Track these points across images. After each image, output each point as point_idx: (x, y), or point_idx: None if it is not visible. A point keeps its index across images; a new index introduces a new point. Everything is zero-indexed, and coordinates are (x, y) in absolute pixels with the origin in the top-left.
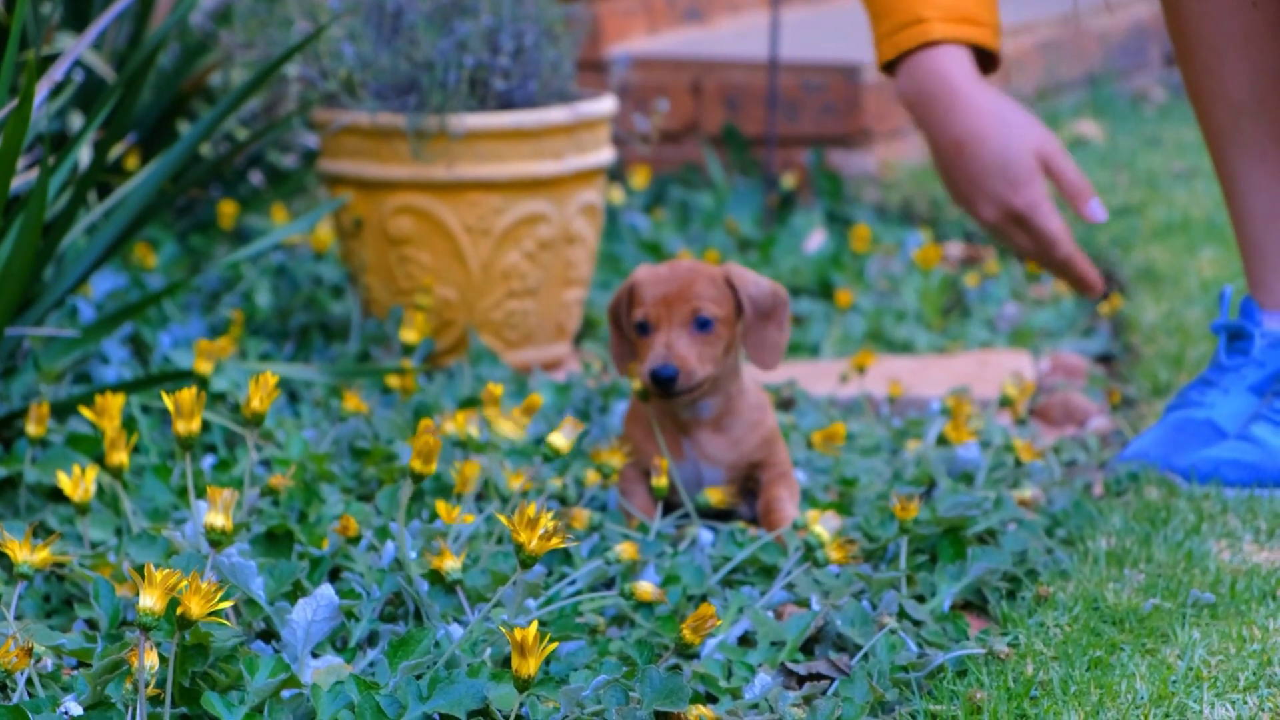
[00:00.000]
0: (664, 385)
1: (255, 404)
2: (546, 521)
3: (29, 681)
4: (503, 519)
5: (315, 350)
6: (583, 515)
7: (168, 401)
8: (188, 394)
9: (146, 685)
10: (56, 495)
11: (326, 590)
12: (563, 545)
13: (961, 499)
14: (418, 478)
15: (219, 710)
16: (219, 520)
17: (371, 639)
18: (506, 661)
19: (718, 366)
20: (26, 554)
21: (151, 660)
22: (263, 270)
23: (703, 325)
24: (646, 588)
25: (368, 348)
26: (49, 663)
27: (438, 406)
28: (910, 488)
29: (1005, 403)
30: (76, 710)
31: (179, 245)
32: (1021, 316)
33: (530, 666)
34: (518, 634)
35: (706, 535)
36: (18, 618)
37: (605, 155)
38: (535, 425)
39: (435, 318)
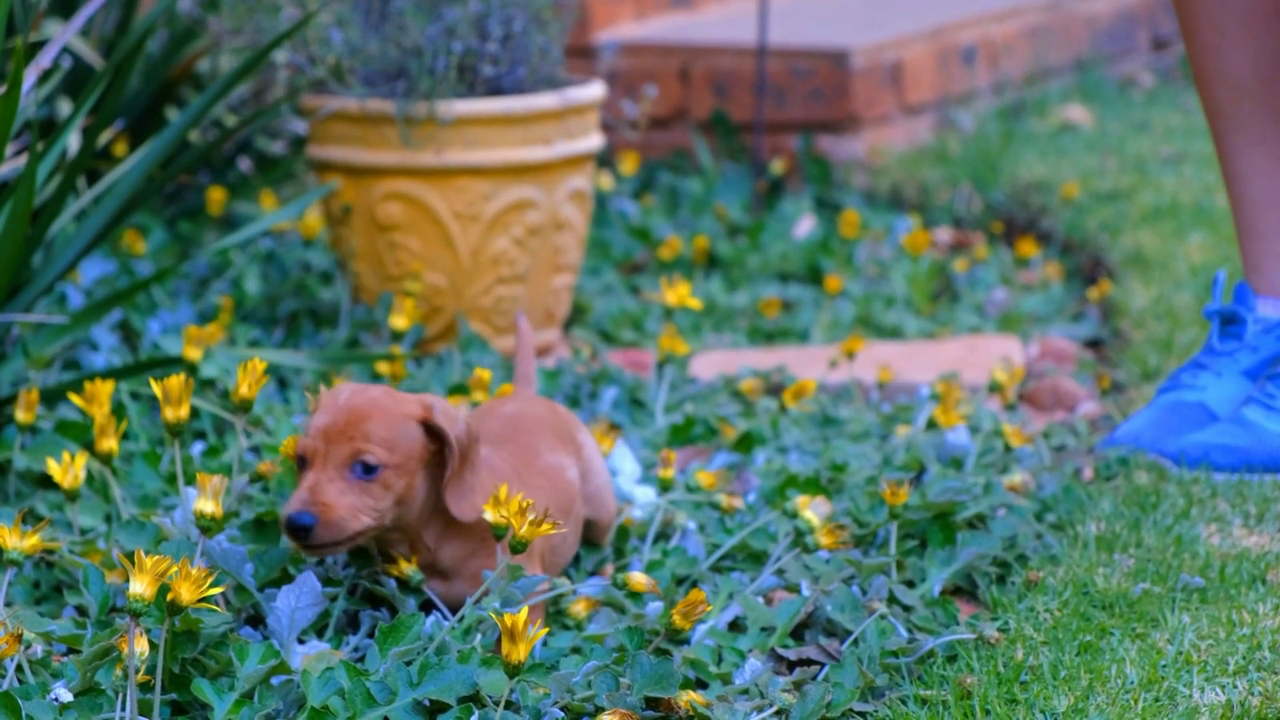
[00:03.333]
0: (298, 535)
1: (244, 390)
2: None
3: (19, 668)
4: (489, 508)
5: (304, 336)
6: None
7: (156, 388)
8: (176, 380)
9: (137, 671)
10: (46, 482)
11: (309, 577)
12: (553, 530)
13: (951, 484)
14: None
15: (209, 696)
16: (208, 507)
17: (353, 622)
18: (497, 648)
19: (385, 519)
20: (16, 540)
21: (141, 646)
22: (252, 257)
23: (365, 470)
24: (639, 578)
25: (357, 334)
26: (39, 649)
27: (427, 392)
28: (900, 473)
29: (994, 388)
30: (66, 697)
31: (168, 232)
32: (1010, 302)
33: (521, 652)
34: (508, 619)
35: (694, 522)
36: (7, 604)
37: (594, 141)
38: None
39: (424, 304)
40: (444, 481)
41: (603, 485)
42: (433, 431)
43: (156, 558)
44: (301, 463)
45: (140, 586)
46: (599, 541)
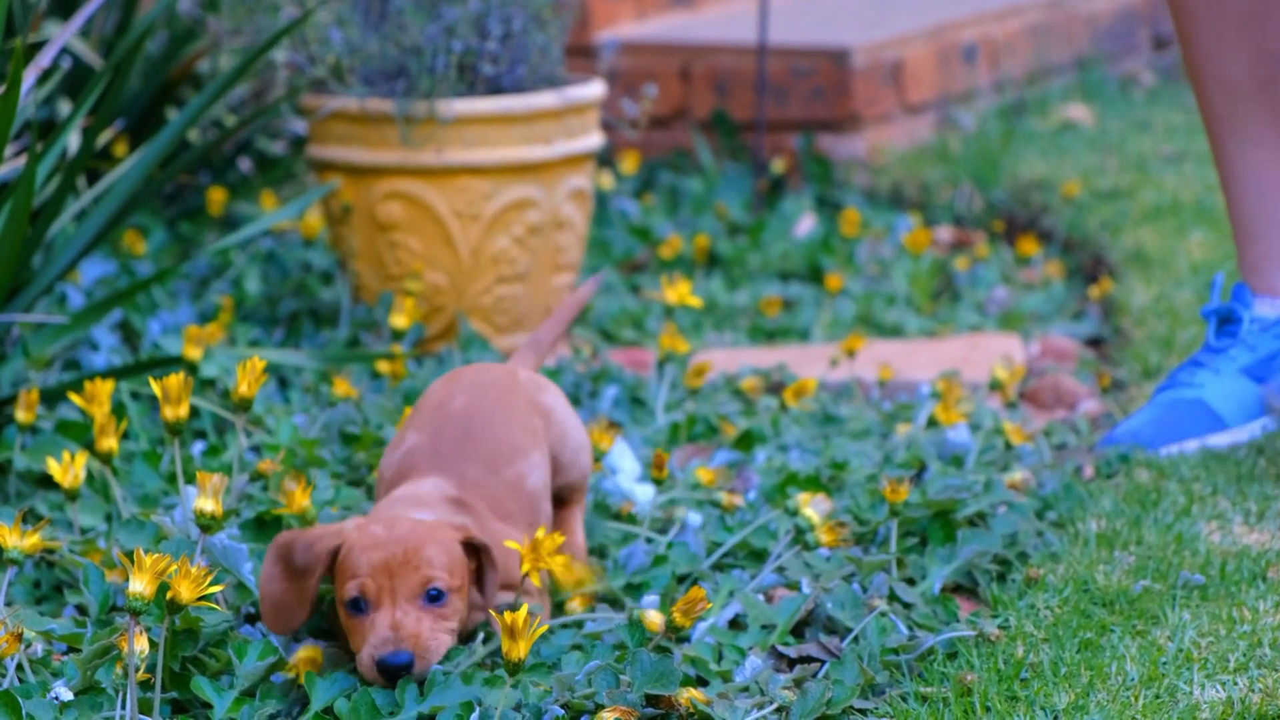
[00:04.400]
0: (396, 674)
1: (243, 389)
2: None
3: (19, 667)
4: (512, 544)
5: (305, 336)
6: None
7: (156, 387)
8: (176, 380)
9: (137, 670)
10: (46, 482)
11: None
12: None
13: (951, 482)
14: None
15: (209, 695)
16: (209, 505)
17: None
18: (497, 651)
19: (455, 639)
20: (16, 540)
21: (141, 645)
22: (252, 257)
23: (434, 599)
24: (654, 618)
25: (357, 333)
26: (39, 648)
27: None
28: (900, 471)
29: (995, 386)
30: (67, 695)
31: (168, 232)
32: (1011, 300)
33: (521, 649)
34: (508, 617)
35: (695, 518)
36: (8, 603)
37: (594, 140)
38: None
39: (425, 303)
40: (485, 584)
41: (578, 447)
42: (471, 547)
43: (156, 556)
44: (360, 605)
45: (140, 585)
46: (574, 501)
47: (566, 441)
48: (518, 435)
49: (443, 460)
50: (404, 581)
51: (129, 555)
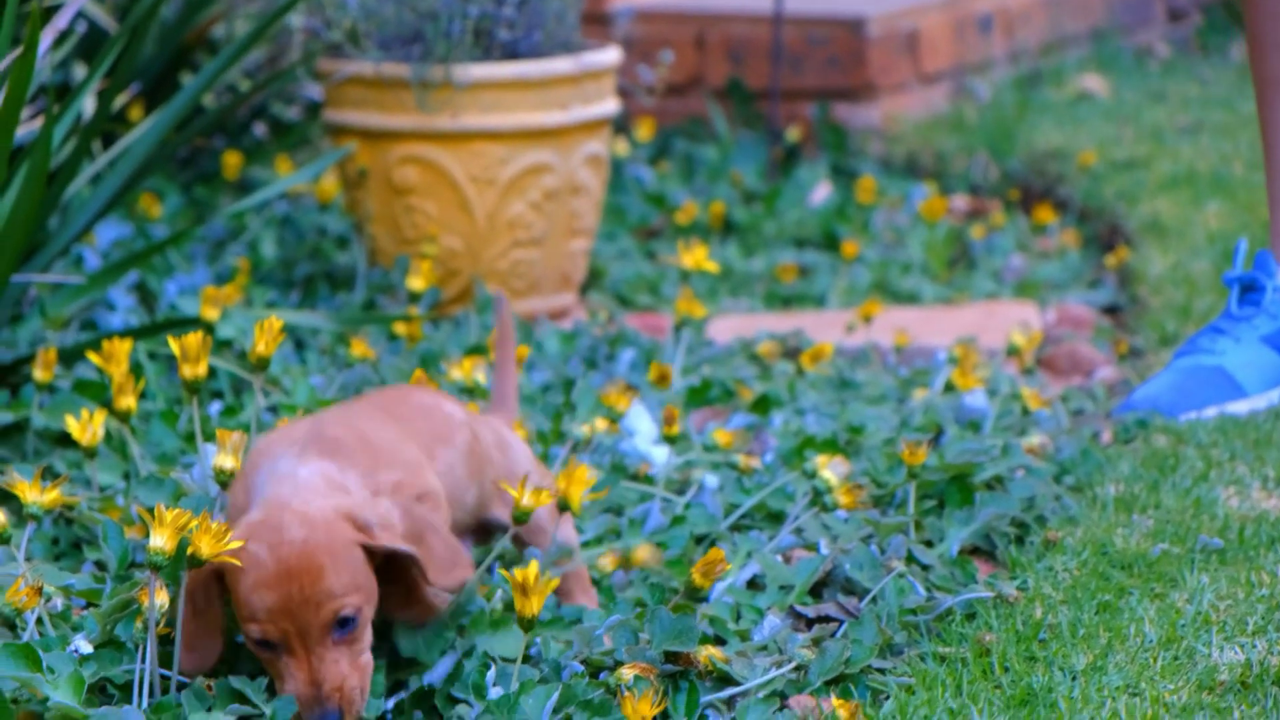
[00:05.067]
0: None
1: (261, 348)
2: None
3: (39, 621)
4: (505, 486)
5: (321, 299)
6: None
7: (174, 346)
8: (194, 338)
9: (157, 624)
10: (63, 440)
11: None
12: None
13: (969, 446)
14: None
15: None
16: (228, 462)
17: None
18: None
19: (369, 656)
20: (36, 495)
21: (162, 600)
22: (267, 221)
23: (344, 625)
24: (644, 552)
25: (373, 297)
26: (58, 602)
27: (444, 354)
28: (918, 434)
29: (1012, 351)
30: (86, 649)
31: (183, 196)
32: (1027, 268)
33: (534, 605)
34: (519, 574)
35: (713, 480)
36: (27, 559)
37: (610, 106)
38: (540, 374)
39: (441, 267)
40: (416, 580)
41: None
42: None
43: (177, 511)
44: (267, 645)
45: (160, 540)
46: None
47: (485, 469)
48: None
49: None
50: (309, 623)
51: (148, 511)
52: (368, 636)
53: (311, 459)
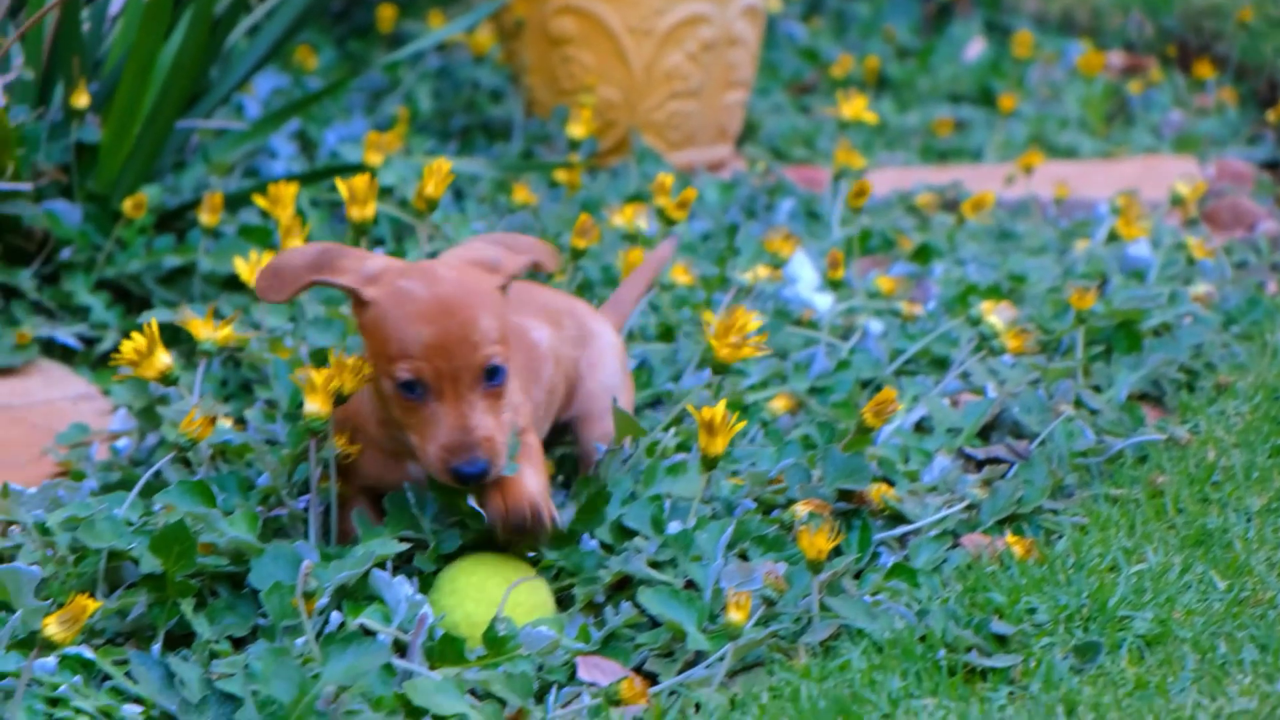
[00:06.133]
0: (469, 480)
1: (430, 189)
2: (742, 326)
3: (213, 456)
4: (708, 316)
5: (478, 149)
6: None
7: (341, 188)
8: (361, 180)
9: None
10: (229, 284)
11: None
12: (755, 355)
13: (1135, 293)
14: (577, 254)
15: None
16: None
17: None
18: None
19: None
20: (209, 332)
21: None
22: (421, 75)
23: (492, 377)
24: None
25: (530, 147)
26: (232, 437)
27: (603, 201)
28: (1083, 282)
29: (1176, 202)
30: (264, 481)
31: (337, 50)
32: (1186, 124)
33: (719, 444)
34: (706, 413)
35: (876, 326)
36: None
37: None
38: (701, 223)
39: (598, 118)
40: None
41: (607, 388)
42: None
43: (328, 374)
44: (414, 389)
45: (315, 406)
46: (587, 446)
47: (594, 373)
48: (523, 309)
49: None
50: (463, 365)
51: (316, 354)
52: (513, 393)
53: None
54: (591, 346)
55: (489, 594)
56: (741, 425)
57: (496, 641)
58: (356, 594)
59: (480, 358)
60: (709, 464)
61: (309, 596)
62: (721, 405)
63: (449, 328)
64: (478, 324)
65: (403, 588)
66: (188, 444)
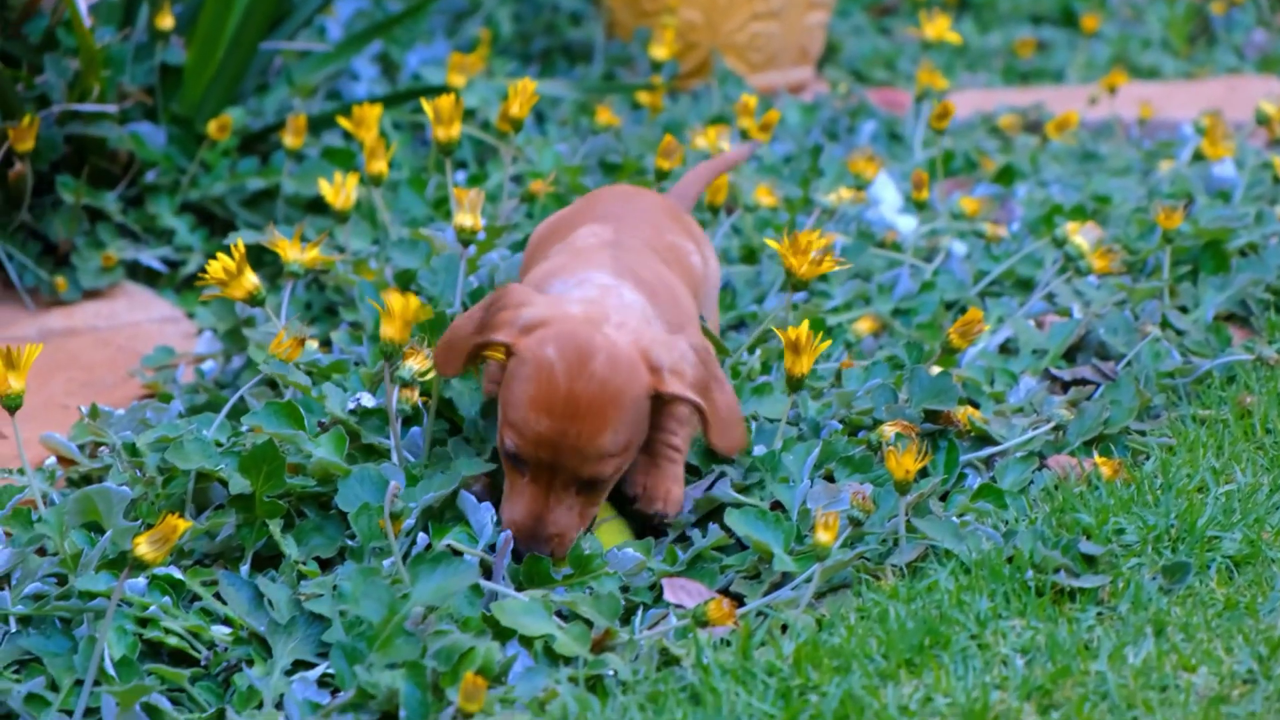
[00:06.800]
0: (524, 551)
1: (515, 109)
2: (817, 245)
3: (307, 372)
4: (772, 243)
5: (559, 72)
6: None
7: (427, 108)
8: (446, 100)
9: (400, 415)
10: (312, 207)
11: None
12: (833, 269)
13: (1221, 213)
14: (661, 176)
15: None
16: (467, 220)
17: None
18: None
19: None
20: (296, 253)
21: (415, 365)
22: None
23: (593, 486)
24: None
25: (611, 69)
26: (320, 357)
27: (685, 124)
28: (1169, 201)
29: (1261, 121)
30: (369, 401)
31: None
32: (1270, 44)
33: (804, 364)
34: (791, 333)
35: (960, 247)
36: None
37: None
38: (783, 145)
39: (679, 40)
40: (706, 432)
41: (710, 321)
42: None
43: (405, 303)
44: (517, 461)
45: (391, 330)
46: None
47: (705, 285)
48: (674, 224)
49: (604, 216)
50: (568, 469)
51: (400, 276)
52: (607, 489)
53: (628, 288)
54: (708, 280)
55: None
56: (827, 344)
57: (582, 560)
58: (443, 515)
59: (586, 472)
60: (794, 385)
61: (396, 518)
62: (805, 325)
63: (567, 431)
64: (598, 439)
65: (489, 510)
66: (277, 366)
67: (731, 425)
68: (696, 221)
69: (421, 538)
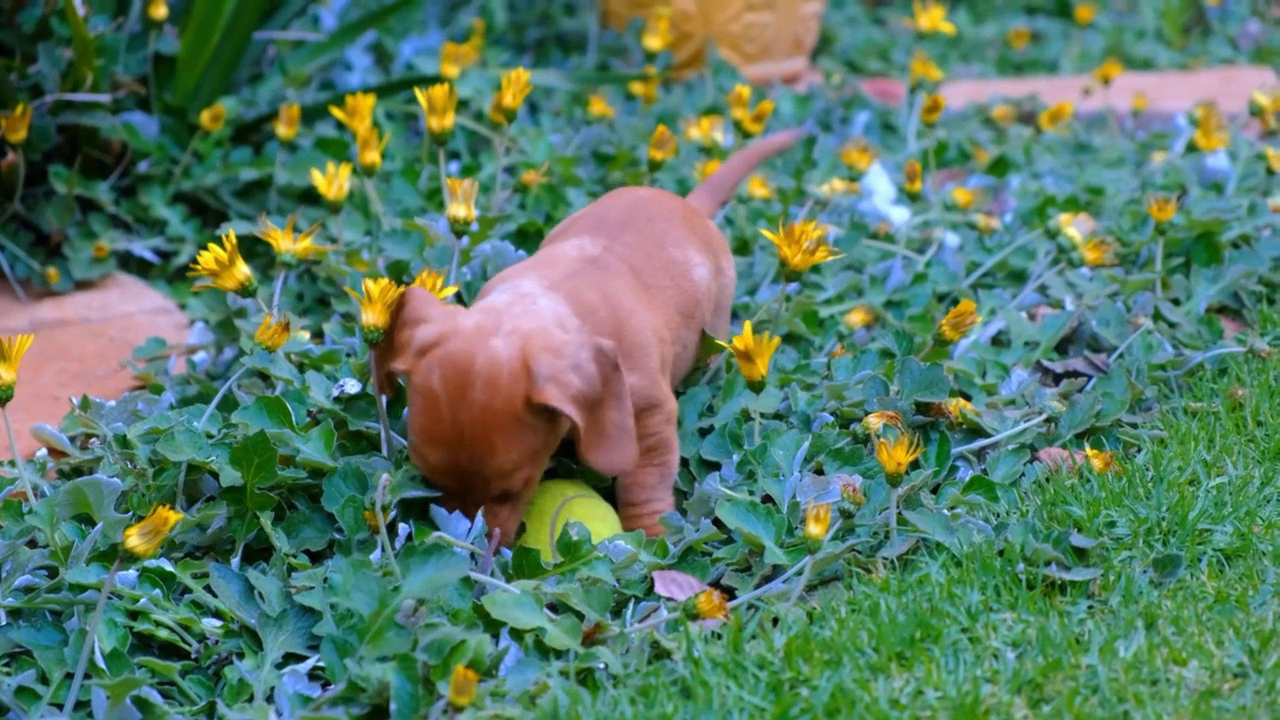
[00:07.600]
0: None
1: (508, 100)
2: (811, 236)
3: (300, 367)
4: (767, 234)
5: (553, 62)
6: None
7: (421, 98)
8: (440, 90)
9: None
10: (305, 197)
11: None
12: (827, 258)
13: (1214, 204)
14: (654, 166)
15: None
16: (460, 211)
17: None
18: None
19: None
20: (289, 244)
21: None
22: None
23: (506, 496)
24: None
25: (606, 59)
26: (312, 347)
27: (679, 115)
28: (1162, 193)
29: (1255, 112)
30: (354, 387)
31: None
32: (1264, 35)
33: (759, 369)
34: (738, 342)
35: (953, 238)
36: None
37: None
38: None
39: (673, 30)
40: (580, 446)
41: (721, 329)
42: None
43: (384, 286)
44: (428, 481)
45: (371, 316)
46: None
47: (723, 295)
48: (686, 233)
49: (602, 226)
50: (474, 488)
51: (394, 266)
52: (531, 490)
53: (550, 297)
54: (724, 290)
55: (539, 507)
56: (777, 342)
57: (570, 547)
58: (425, 507)
59: (494, 489)
60: (756, 388)
61: (384, 510)
62: (748, 330)
63: (459, 459)
64: (490, 462)
65: (461, 521)
66: (266, 355)
67: (616, 445)
68: (717, 228)
69: (403, 528)
